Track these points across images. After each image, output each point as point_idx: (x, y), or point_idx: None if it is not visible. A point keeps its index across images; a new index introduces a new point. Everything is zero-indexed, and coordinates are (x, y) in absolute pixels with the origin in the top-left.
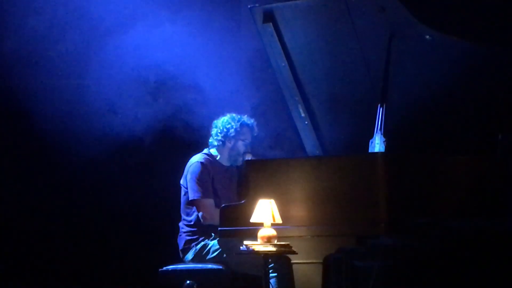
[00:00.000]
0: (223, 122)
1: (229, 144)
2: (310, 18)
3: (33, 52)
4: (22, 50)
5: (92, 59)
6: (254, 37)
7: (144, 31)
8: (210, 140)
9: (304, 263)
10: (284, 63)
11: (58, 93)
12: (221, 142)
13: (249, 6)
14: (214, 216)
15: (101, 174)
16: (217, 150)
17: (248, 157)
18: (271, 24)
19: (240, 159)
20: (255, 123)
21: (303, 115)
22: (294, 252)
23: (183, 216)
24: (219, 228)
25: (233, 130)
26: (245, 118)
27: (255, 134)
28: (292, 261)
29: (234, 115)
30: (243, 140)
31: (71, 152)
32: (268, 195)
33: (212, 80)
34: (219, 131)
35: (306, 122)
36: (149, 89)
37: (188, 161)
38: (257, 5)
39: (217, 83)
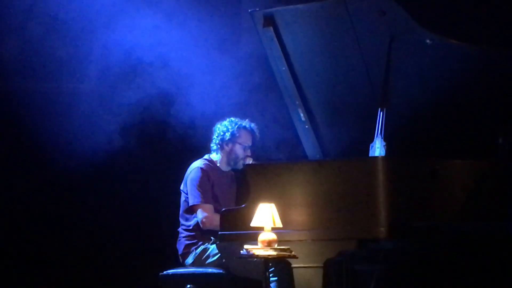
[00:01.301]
0: (221, 126)
1: (226, 148)
2: (311, 22)
3: (19, 56)
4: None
5: (85, 61)
6: (254, 41)
7: (140, 34)
8: (211, 145)
9: (305, 267)
10: (284, 67)
11: (49, 98)
12: (219, 146)
13: (249, 10)
14: (213, 222)
15: (101, 179)
16: (217, 154)
17: (249, 161)
18: (271, 28)
19: (241, 162)
20: (256, 127)
21: (303, 119)
22: (294, 256)
23: (182, 221)
24: (219, 232)
25: (229, 133)
26: (244, 122)
27: (257, 139)
28: (292, 265)
29: (233, 119)
30: (240, 144)
31: (70, 155)
32: (268, 199)
33: (210, 84)
34: (216, 135)
35: (306, 126)
36: (148, 92)
37: (188, 167)
38: (257, 9)
39: (216, 88)
